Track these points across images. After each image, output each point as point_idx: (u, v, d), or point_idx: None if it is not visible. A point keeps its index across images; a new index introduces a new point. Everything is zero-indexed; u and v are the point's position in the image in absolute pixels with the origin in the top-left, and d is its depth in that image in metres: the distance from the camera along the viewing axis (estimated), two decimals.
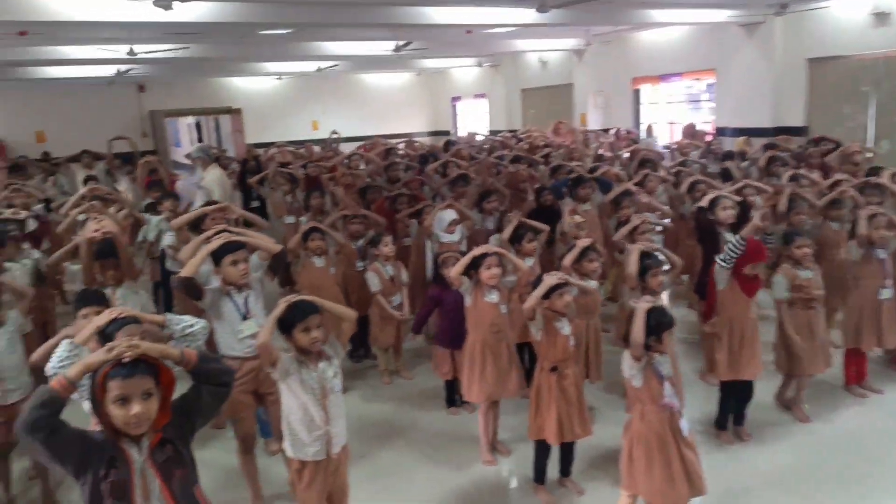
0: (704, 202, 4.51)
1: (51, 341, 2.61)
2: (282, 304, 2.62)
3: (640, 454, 2.83)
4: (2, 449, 3.30)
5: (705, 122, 10.53)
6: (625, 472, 2.93)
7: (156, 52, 9.23)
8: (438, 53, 12.66)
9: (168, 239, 4.80)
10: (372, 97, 17.16)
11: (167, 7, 5.44)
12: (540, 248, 4.60)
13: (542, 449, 3.40)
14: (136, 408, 1.79)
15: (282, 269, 3.57)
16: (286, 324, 2.62)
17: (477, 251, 3.58)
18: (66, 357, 2.31)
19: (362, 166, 7.95)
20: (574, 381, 3.28)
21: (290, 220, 6.41)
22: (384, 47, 10.00)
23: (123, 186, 7.98)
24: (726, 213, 4.40)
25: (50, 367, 2.38)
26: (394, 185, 6.59)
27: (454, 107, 17.58)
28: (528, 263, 4.20)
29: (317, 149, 10.39)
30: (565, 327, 3.27)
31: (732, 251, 3.64)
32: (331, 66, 13.61)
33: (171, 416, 1.88)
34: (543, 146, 8.74)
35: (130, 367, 1.80)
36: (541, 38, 11.61)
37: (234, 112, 16.13)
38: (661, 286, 3.60)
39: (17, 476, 3.61)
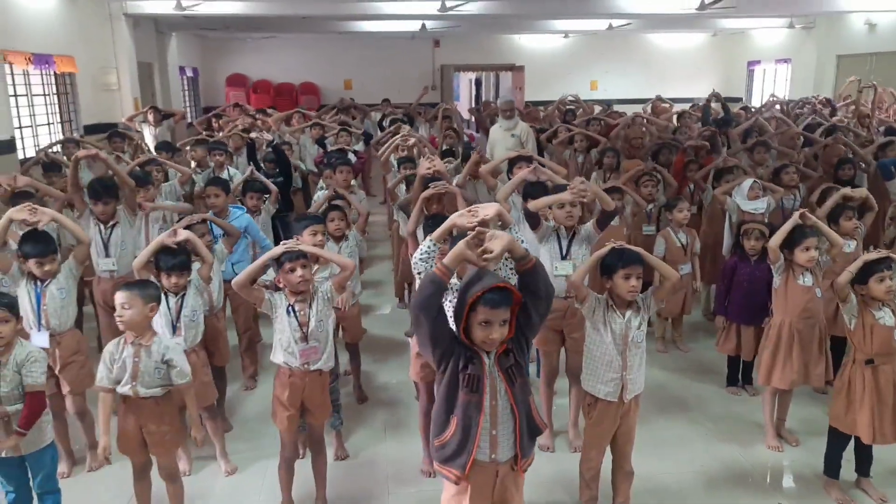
0: None
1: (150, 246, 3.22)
2: (608, 247, 2.78)
3: None
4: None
5: None
6: None
7: (462, 7, 9.84)
8: (745, 12, 11.59)
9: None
10: (658, 58, 16.41)
11: None
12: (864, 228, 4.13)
13: (839, 441, 3.14)
14: (495, 333, 2.08)
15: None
16: (608, 267, 2.79)
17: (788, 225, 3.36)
18: (426, 251, 2.61)
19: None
20: (893, 380, 2.96)
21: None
22: (686, 5, 9.45)
23: (421, 132, 8.80)
24: None
25: (416, 259, 2.66)
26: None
27: (751, 72, 16.07)
28: (850, 247, 3.81)
29: (597, 108, 10.28)
30: (887, 317, 2.94)
31: None
32: (623, 25, 13.27)
33: (514, 331, 2.14)
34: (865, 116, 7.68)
35: (498, 298, 2.05)
36: None
37: (517, 69, 16.64)
38: None
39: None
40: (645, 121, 7.70)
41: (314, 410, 3.07)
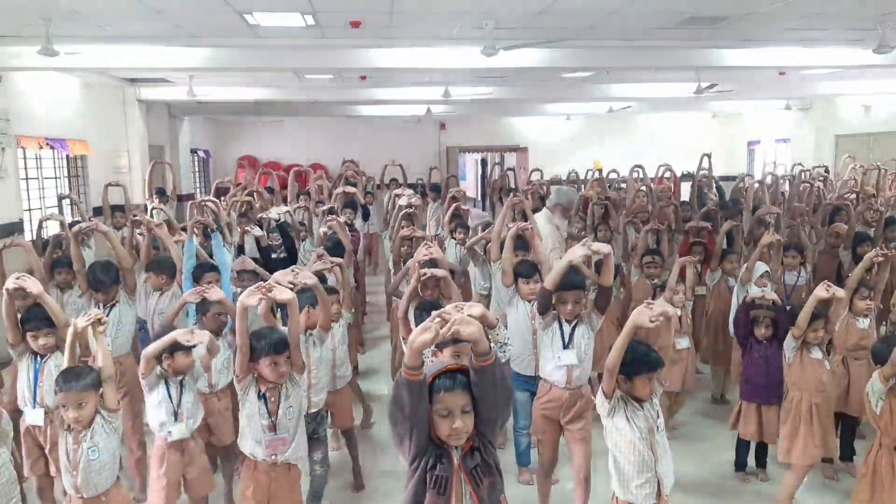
0: None
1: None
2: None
3: None
4: None
5: None
6: None
7: (465, 93, 10.14)
8: (742, 95, 11.90)
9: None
10: (660, 137, 16.72)
11: (492, 54, 5.89)
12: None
13: None
14: (457, 422, 1.95)
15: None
16: (632, 368, 2.65)
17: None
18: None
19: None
20: None
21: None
22: (684, 89, 9.69)
23: (430, 211, 8.96)
24: None
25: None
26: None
27: (751, 151, 16.31)
28: (864, 323, 3.81)
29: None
30: None
31: None
32: (623, 108, 13.62)
33: (476, 427, 2.02)
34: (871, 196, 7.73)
35: (451, 383, 1.95)
36: (868, 80, 10.26)
37: (521, 150, 16.98)
38: None
39: None
40: (646, 193, 7.79)
41: None
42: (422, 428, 1.97)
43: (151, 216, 7.06)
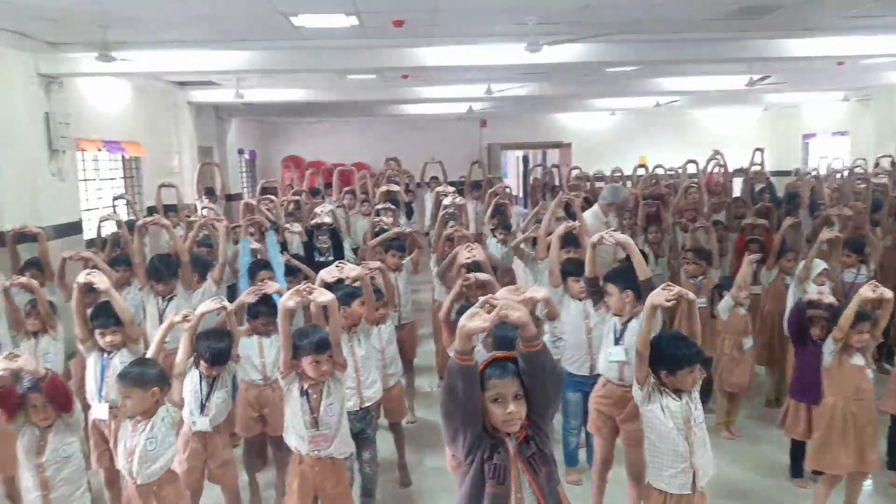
0: None
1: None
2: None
3: None
4: None
5: None
6: None
7: (507, 90, 10.07)
8: (797, 87, 11.51)
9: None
10: (709, 132, 16.33)
11: (535, 50, 5.83)
12: None
13: None
14: (511, 407, 1.96)
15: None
16: (674, 361, 2.69)
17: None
18: None
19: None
20: None
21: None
22: (735, 82, 9.43)
23: (470, 208, 8.86)
24: None
25: None
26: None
27: (806, 145, 15.78)
28: None
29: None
30: None
31: None
32: (670, 102, 13.33)
33: (528, 416, 2.02)
34: None
35: (500, 370, 1.98)
36: None
37: (564, 146, 16.79)
38: None
39: None
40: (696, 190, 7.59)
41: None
42: (475, 417, 1.97)
43: (202, 216, 7.23)
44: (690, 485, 2.64)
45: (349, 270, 3.20)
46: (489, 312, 1.89)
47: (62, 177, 7.02)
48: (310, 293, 2.85)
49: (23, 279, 3.82)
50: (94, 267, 4.06)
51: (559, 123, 16.84)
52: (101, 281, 3.32)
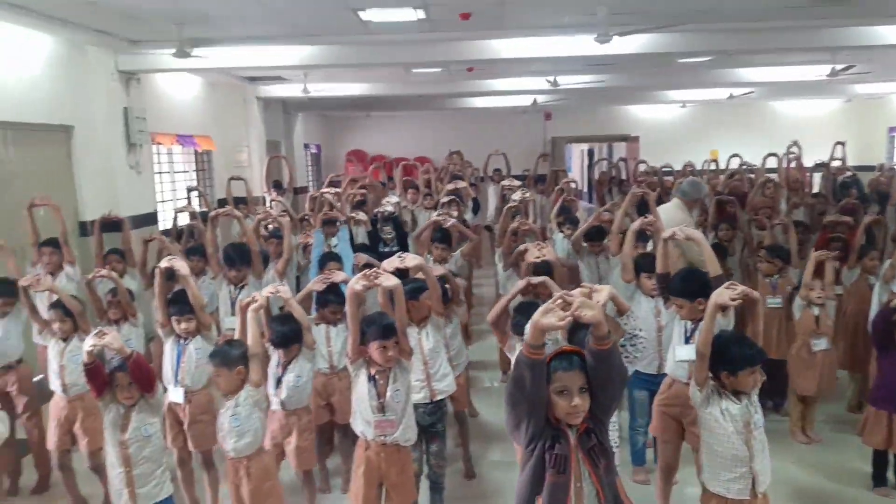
0: None
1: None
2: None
3: None
4: None
5: None
6: None
7: (574, 82, 9.90)
8: (882, 77, 10.88)
9: None
10: (786, 125, 15.58)
11: (605, 41, 5.70)
12: None
13: None
14: (576, 399, 2.00)
15: None
16: (736, 362, 2.63)
17: None
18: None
19: None
20: None
21: None
22: (815, 72, 8.98)
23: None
24: None
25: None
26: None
27: (892, 137, 14.91)
28: None
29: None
30: None
31: None
32: (745, 94, 12.84)
33: (590, 409, 2.06)
34: None
35: (567, 363, 2.00)
36: None
37: (632, 139, 16.41)
38: None
39: None
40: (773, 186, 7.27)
41: (392, 491, 2.99)
42: (540, 408, 2.01)
43: (271, 208, 7.41)
44: (750, 490, 2.59)
45: (410, 260, 3.23)
46: (564, 310, 1.90)
47: (139, 169, 7.32)
48: (376, 278, 2.87)
49: (104, 271, 4.01)
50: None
51: (627, 116, 16.45)
52: (181, 266, 3.46)
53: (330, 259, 4.57)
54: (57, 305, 3.68)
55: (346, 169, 15.98)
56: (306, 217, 6.59)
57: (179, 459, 3.68)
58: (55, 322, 3.68)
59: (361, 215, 5.78)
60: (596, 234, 5.13)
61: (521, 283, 3.29)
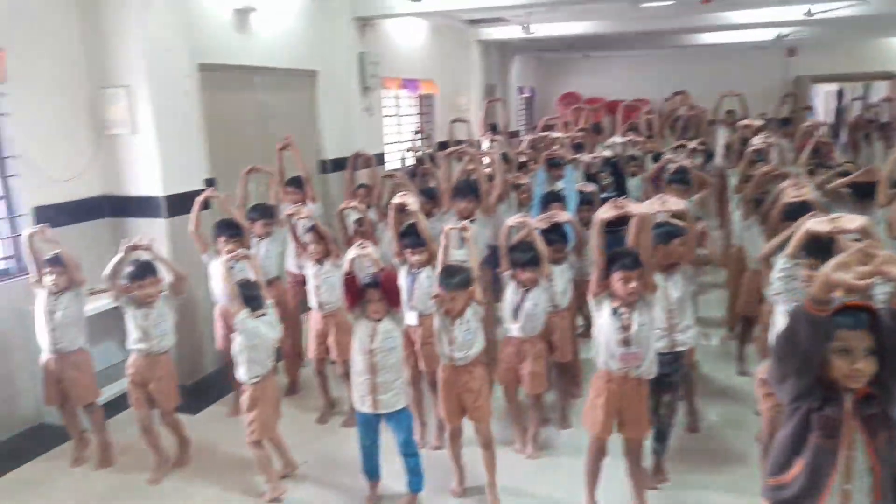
0: None
1: None
2: None
3: None
4: None
5: None
6: None
7: (832, 10, 8.59)
8: None
9: None
10: None
11: None
12: None
13: None
14: (859, 363, 1.78)
15: None
16: None
17: None
18: (782, 270, 2.64)
19: None
20: None
21: None
22: None
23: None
24: None
25: (773, 278, 2.72)
26: None
27: None
28: None
29: None
30: None
31: None
32: None
33: (877, 375, 1.81)
34: None
35: (853, 321, 1.78)
36: None
37: (894, 77, 14.04)
38: None
39: None
40: None
41: (628, 423, 3.00)
42: (812, 367, 1.82)
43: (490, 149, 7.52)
44: None
45: (673, 203, 3.09)
46: (863, 265, 1.67)
47: (371, 112, 7.79)
48: (623, 206, 2.85)
49: (354, 203, 4.52)
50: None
51: (890, 49, 14.07)
52: (412, 202, 3.64)
53: (553, 199, 4.53)
54: (311, 230, 4.15)
55: (559, 112, 15.72)
56: (526, 162, 6.55)
57: (411, 377, 3.97)
58: (310, 244, 4.13)
59: (585, 157, 5.63)
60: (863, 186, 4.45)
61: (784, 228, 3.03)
